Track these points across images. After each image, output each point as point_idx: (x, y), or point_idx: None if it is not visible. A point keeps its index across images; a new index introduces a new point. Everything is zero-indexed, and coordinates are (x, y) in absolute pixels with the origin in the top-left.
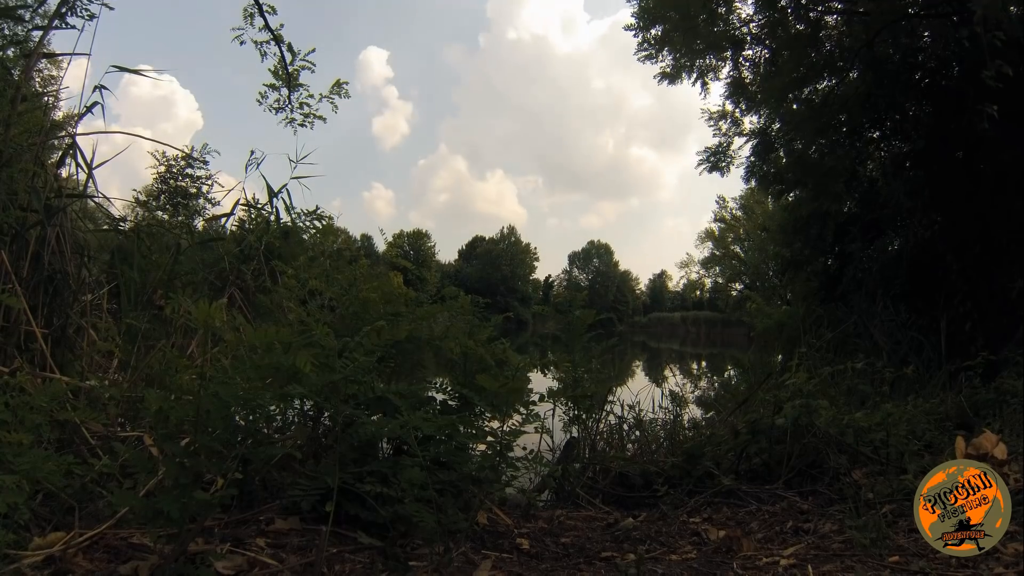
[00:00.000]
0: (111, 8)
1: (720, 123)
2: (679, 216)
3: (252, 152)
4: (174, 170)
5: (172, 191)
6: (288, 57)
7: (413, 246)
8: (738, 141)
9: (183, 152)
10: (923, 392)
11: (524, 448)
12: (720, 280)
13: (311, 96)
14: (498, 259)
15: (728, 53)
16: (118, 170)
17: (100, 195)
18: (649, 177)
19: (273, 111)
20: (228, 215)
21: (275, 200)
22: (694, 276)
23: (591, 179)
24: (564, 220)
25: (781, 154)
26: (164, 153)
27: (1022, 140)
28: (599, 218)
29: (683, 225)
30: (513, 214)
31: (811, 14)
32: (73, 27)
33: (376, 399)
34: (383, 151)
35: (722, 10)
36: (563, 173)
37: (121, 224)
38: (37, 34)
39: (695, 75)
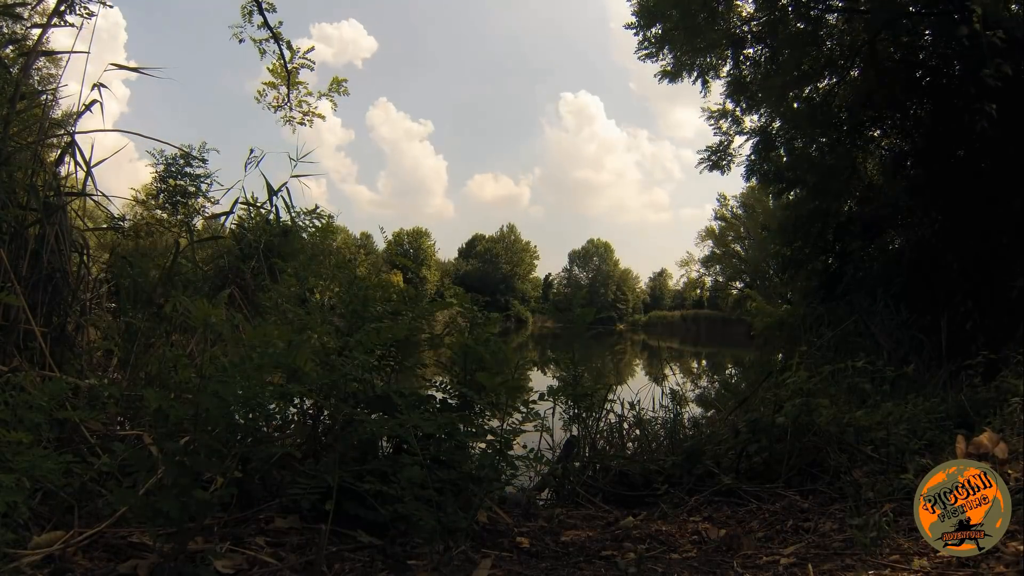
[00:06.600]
0: (110, 6)
1: (720, 122)
2: None
3: (252, 151)
4: (173, 169)
5: (171, 189)
6: (287, 55)
7: (413, 244)
8: (738, 140)
9: (182, 151)
10: (924, 391)
11: (524, 446)
12: (720, 279)
13: (310, 94)
14: (498, 257)
15: (729, 52)
16: (119, 168)
17: (99, 193)
18: None
19: (272, 109)
20: (227, 213)
21: (274, 198)
22: (694, 275)
23: None
24: None
25: (781, 152)
26: (163, 151)
27: (1022, 139)
28: None
29: None
30: None
31: (812, 12)
32: (72, 25)
33: (376, 397)
34: None
35: (722, 8)
36: None
37: (120, 223)
38: (36, 32)
39: (696, 74)
